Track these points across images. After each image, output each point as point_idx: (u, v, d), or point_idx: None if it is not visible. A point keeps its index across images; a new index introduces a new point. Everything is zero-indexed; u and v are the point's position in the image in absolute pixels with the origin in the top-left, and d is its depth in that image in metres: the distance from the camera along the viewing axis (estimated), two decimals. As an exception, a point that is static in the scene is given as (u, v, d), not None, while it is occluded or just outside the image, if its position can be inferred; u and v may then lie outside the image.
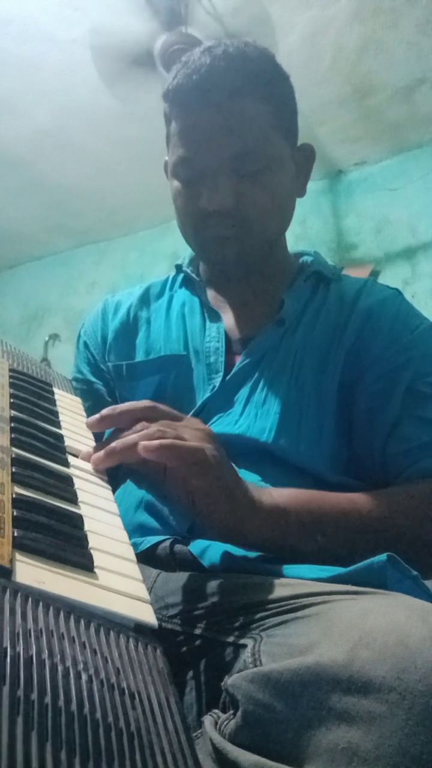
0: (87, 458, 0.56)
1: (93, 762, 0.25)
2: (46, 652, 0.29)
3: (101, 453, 0.55)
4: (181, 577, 0.59)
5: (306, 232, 3.06)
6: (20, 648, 0.28)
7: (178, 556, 0.63)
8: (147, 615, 0.38)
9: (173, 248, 3.30)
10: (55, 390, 0.70)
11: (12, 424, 0.50)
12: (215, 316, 0.83)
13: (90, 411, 0.81)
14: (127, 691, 0.30)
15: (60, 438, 0.56)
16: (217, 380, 0.76)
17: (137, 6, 2.17)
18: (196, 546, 0.63)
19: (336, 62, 2.43)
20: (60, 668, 0.28)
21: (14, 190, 3.24)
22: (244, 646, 0.45)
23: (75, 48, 2.34)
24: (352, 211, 3.07)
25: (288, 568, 0.57)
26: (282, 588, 0.50)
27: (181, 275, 0.91)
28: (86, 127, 2.77)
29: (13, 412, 0.53)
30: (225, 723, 0.40)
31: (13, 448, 0.46)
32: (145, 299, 0.90)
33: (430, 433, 0.70)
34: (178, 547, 0.64)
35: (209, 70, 0.72)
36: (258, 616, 0.48)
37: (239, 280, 0.83)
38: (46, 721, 0.25)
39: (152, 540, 0.66)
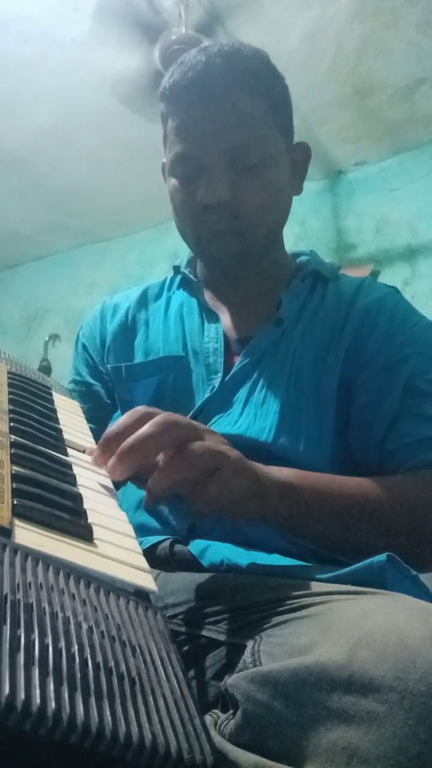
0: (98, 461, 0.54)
1: (95, 699, 0.25)
2: (46, 602, 0.29)
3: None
4: (180, 577, 0.59)
5: (306, 232, 3.06)
6: (20, 595, 0.28)
7: (177, 556, 0.63)
8: (147, 582, 0.38)
9: (173, 248, 3.30)
10: (53, 393, 0.70)
11: (11, 415, 0.51)
12: (213, 317, 0.83)
13: (89, 413, 0.81)
14: (128, 644, 0.30)
15: (59, 431, 0.56)
16: (217, 381, 0.76)
17: (129, 32, 2.18)
18: (196, 546, 0.63)
19: (336, 62, 2.43)
20: (60, 616, 0.28)
21: (14, 190, 3.24)
22: (244, 646, 0.45)
23: (75, 48, 2.34)
24: (352, 211, 3.07)
25: (288, 568, 0.57)
26: (281, 588, 0.50)
27: (179, 276, 0.91)
28: (86, 127, 2.77)
29: (12, 406, 0.53)
30: (225, 723, 0.40)
31: (12, 435, 0.46)
32: (143, 301, 0.90)
33: (430, 429, 0.70)
34: (177, 547, 0.64)
35: (205, 67, 0.73)
36: (258, 616, 0.48)
37: (237, 279, 0.83)
38: (47, 659, 0.25)
39: (152, 540, 0.66)
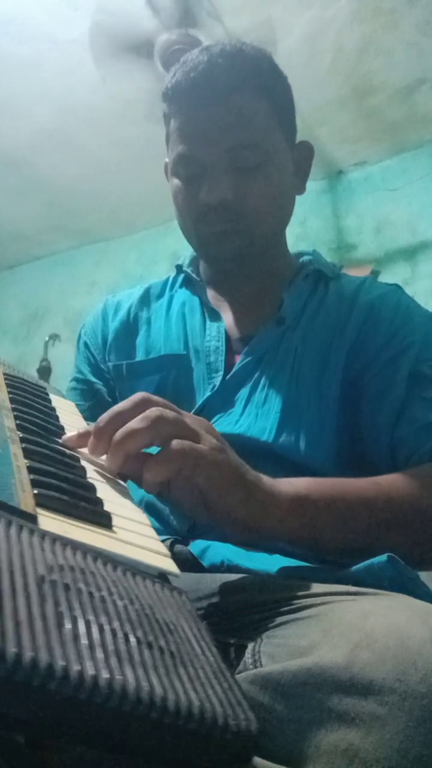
0: (75, 443, 0.52)
1: (142, 670, 0.26)
2: (81, 582, 0.29)
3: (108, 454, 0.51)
4: (181, 578, 0.59)
5: (306, 232, 3.06)
6: (56, 576, 0.28)
7: (178, 556, 0.63)
8: (169, 565, 0.39)
9: (173, 248, 3.30)
10: (49, 394, 0.70)
11: (14, 413, 0.51)
12: (215, 316, 0.83)
13: (90, 411, 0.81)
14: (162, 621, 0.31)
15: (61, 428, 0.56)
16: (218, 380, 0.76)
17: (128, 59, 2.20)
18: (196, 546, 0.63)
19: (336, 62, 2.43)
20: (96, 595, 0.29)
21: (14, 190, 3.23)
22: (244, 647, 0.45)
23: (75, 48, 2.34)
24: (352, 211, 3.07)
25: (288, 569, 0.56)
26: (282, 589, 0.50)
27: (182, 275, 0.91)
28: (86, 127, 2.77)
29: (14, 405, 0.53)
30: (225, 724, 0.40)
31: (20, 432, 0.46)
32: (145, 299, 0.90)
33: None
34: (178, 547, 0.64)
35: (207, 67, 0.73)
36: (258, 616, 0.48)
37: (239, 278, 0.83)
38: (91, 634, 0.26)
39: (152, 540, 0.66)
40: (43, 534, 0.31)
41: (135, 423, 0.49)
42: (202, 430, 0.52)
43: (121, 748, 0.25)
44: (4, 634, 0.23)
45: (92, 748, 0.25)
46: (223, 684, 0.29)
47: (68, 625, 0.25)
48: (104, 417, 0.51)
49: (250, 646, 0.44)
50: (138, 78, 2.31)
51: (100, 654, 0.25)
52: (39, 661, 0.22)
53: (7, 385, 0.59)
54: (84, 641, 0.25)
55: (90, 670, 0.24)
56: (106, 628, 0.27)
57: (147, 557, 0.38)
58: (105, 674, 0.24)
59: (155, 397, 0.52)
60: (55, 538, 0.32)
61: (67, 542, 0.32)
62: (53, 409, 0.62)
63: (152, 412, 0.49)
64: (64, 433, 0.54)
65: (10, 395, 0.56)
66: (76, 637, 0.25)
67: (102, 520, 0.39)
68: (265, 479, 0.56)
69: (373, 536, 0.59)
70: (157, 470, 0.48)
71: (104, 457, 0.51)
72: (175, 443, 0.48)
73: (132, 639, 0.27)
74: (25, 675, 0.22)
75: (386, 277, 2.78)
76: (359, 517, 0.59)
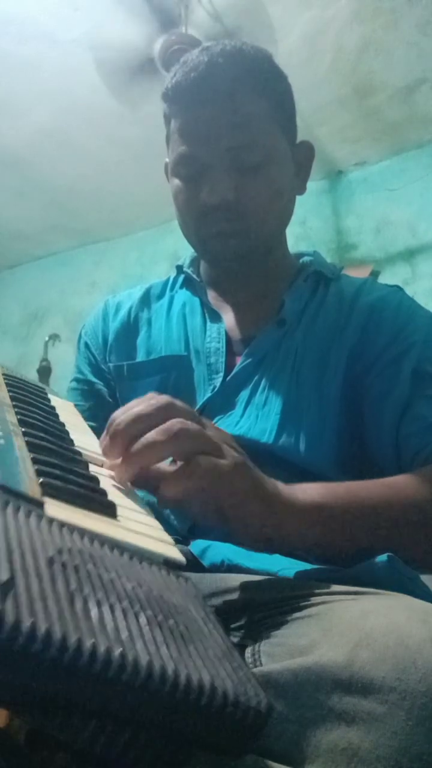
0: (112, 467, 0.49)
1: (155, 647, 0.26)
2: (91, 563, 0.29)
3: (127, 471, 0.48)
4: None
5: (306, 232, 3.06)
6: (65, 558, 0.28)
7: (178, 557, 0.63)
8: (174, 553, 0.39)
9: (173, 248, 3.30)
10: (49, 394, 0.70)
11: (15, 409, 0.51)
12: (216, 317, 0.83)
13: (91, 411, 0.81)
14: (170, 602, 0.31)
15: (62, 425, 0.56)
16: (218, 381, 0.76)
17: (135, 9, 2.18)
18: (196, 546, 0.63)
19: (336, 62, 2.43)
20: (105, 576, 0.29)
21: (14, 190, 3.24)
22: (244, 646, 0.45)
23: (75, 48, 2.35)
24: (352, 211, 3.07)
25: (288, 569, 0.57)
26: (282, 588, 0.50)
27: (182, 276, 0.91)
28: (86, 127, 2.77)
29: (14, 402, 0.53)
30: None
31: (22, 427, 0.46)
32: (145, 300, 0.90)
33: None
34: (178, 546, 0.64)
35: (207, 68, 0.73)
36: (258, 616, 0.48)
37: (240, 279, 0.83)
38: (102, 612, 0.26)
39: (152, 540, 0.66)
40: (51, 520, 0.32)
41: (156, 435, 0.46)
42: (223, 443, 0.50)
43: (132, 723, 0.25)
44: (18, 606, 0.23)
45: (104, 723, 0.25)
46: (233, 663, 0.29)
47: (79, 603, 0.26)
48: (124, 418, 0.47)
49: (250, 645, 0.44)
50: (135, 25, 2.24)
51: (112, 629, 0.25)
52: (53, 634, 0.23)
53: (7, 384, 0.60)
54: (96, 617, 0.25)
55: (103, 644, 0.24)
56: (117, 607, 0.27)
57: (152, 545, 0.38)
58: (118, 648, 0.24)
59: (179, 404, 0.49)
60: (63, 524, 0.32)
61: (73, 528, 0.32)
62: (53, 408, 0.63)
63: (174, 425, 0.46)
64: (65, 429, 0.54)
65: (10, 393, 0.56)
66: (87, 613, 0.25)
67: (107, 509, 0.39)
68: (282, 489, 0.54)
69: (389, 540, 0.58)
70: (176, 487, 0.45)
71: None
72: (198, 461, 0.46)
73: (142, 618, 0.28)
74: (39, 647, 0.22)
75: (386, 278, 2.79)
76: (375, 521, 0.58)
